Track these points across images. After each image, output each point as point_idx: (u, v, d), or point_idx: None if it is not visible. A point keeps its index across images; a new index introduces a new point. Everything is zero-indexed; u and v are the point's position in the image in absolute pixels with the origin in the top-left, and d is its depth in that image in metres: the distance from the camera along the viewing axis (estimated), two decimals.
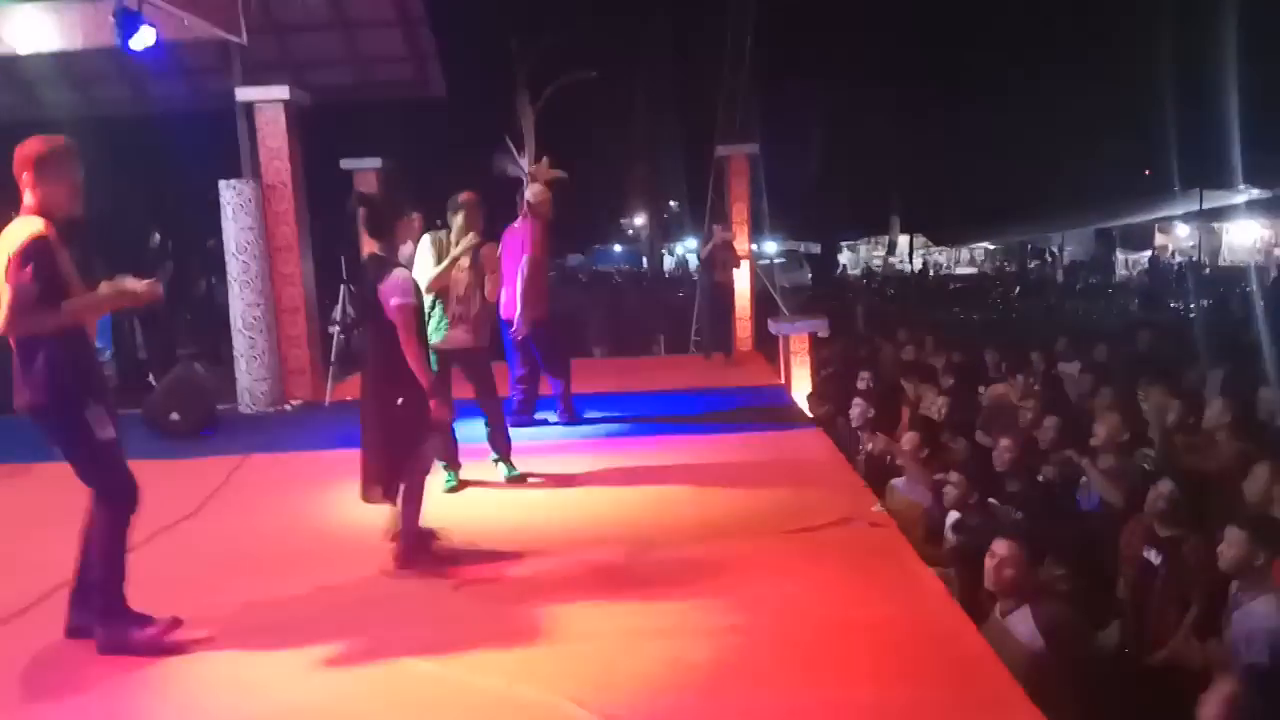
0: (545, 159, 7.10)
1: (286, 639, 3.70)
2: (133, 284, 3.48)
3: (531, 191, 6.87)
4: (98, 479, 3.51)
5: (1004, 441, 5.69)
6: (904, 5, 29.23)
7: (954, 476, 5.22)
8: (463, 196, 5.55)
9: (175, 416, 7.46)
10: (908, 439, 5.90)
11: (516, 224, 6.83)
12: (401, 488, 4.37)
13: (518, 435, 6.72)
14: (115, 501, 3.52)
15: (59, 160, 3.46)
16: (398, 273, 4.24)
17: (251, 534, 5.11)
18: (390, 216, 4.40)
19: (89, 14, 7.96)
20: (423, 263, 5.36)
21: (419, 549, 4.38)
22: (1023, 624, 3.76)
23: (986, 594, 4.10)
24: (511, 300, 6.59)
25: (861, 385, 8.23)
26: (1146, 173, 28.31)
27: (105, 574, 3.52)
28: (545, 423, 7.14)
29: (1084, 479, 5.58)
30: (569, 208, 7.06)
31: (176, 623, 3.63)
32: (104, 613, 3.55)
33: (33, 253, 3.28)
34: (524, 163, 7.09)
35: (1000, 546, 3.86)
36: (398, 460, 4.31)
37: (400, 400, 4.23)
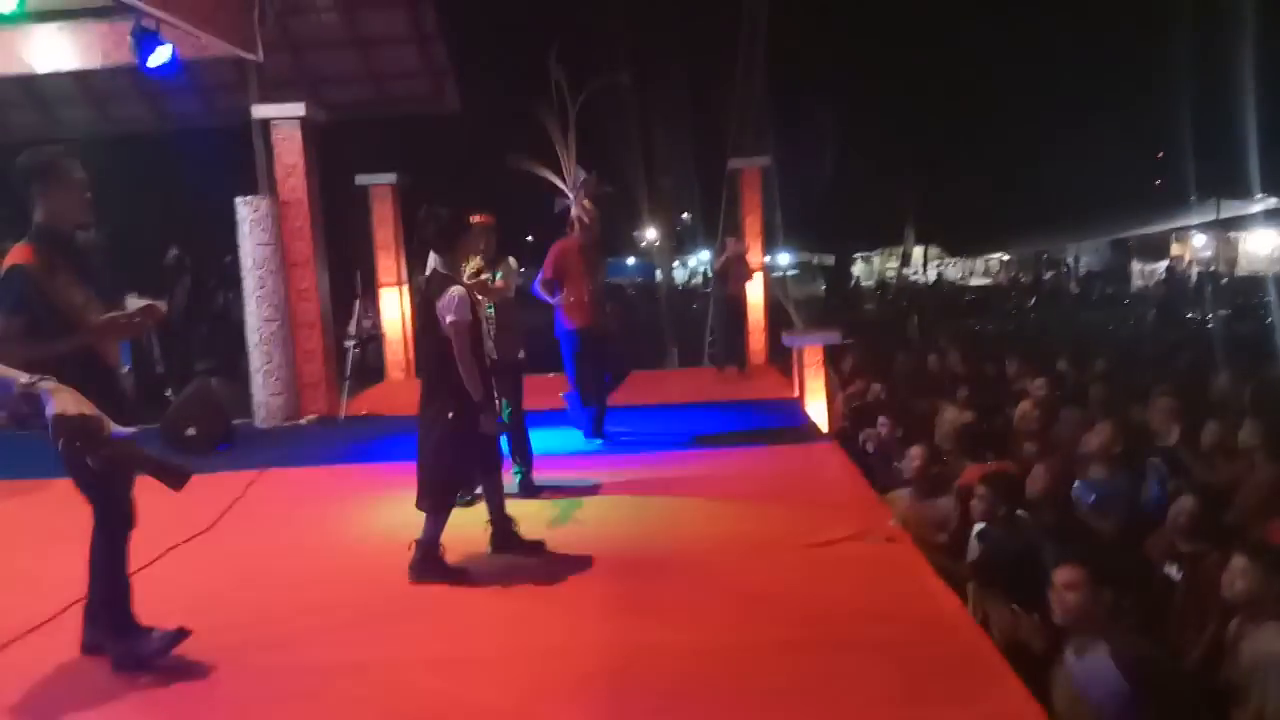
0: (594, 174, 7.16)
1: (300, 654, 3.71)
2: (132, 307, 3.44)
3: (583, 209, 6.96)
4: (96, 497, 3.50)
5: (1037, 468, 5.58)
6: (916, 18, 29.23)
7: (980, 489, 5.17)
8: (477, 219, 5.55)
9: (192, 431, 7.49)
10: (914, 454, 5.86)
11: (568, 238, 6.96)
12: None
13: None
14: (111, 521, 3.51)
15: (60, 168, 3.46)
16: (453, 290, 4.32)
17: (267, 549, 5.13)
18: (455, 232, 4.48)
19: (106, 33, 8.06)
20: None
21: (434, 561, 4.38)
22: (1101, 664, 3.51)
23: (1029, 623, 4.01)
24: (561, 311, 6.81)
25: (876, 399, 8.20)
26: (1156, 183, 28.18)
27: (108, 592, 3.51)
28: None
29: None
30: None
31: (183, 632, 3.62)
32: (113, 629, 3.55)
33: (7, 286, 3.27)
34: (567, 181, 7.11)
35: (1063, 573, 3.64)
36: (440, 471, 4.38)
37: (451, 415, 4.33)
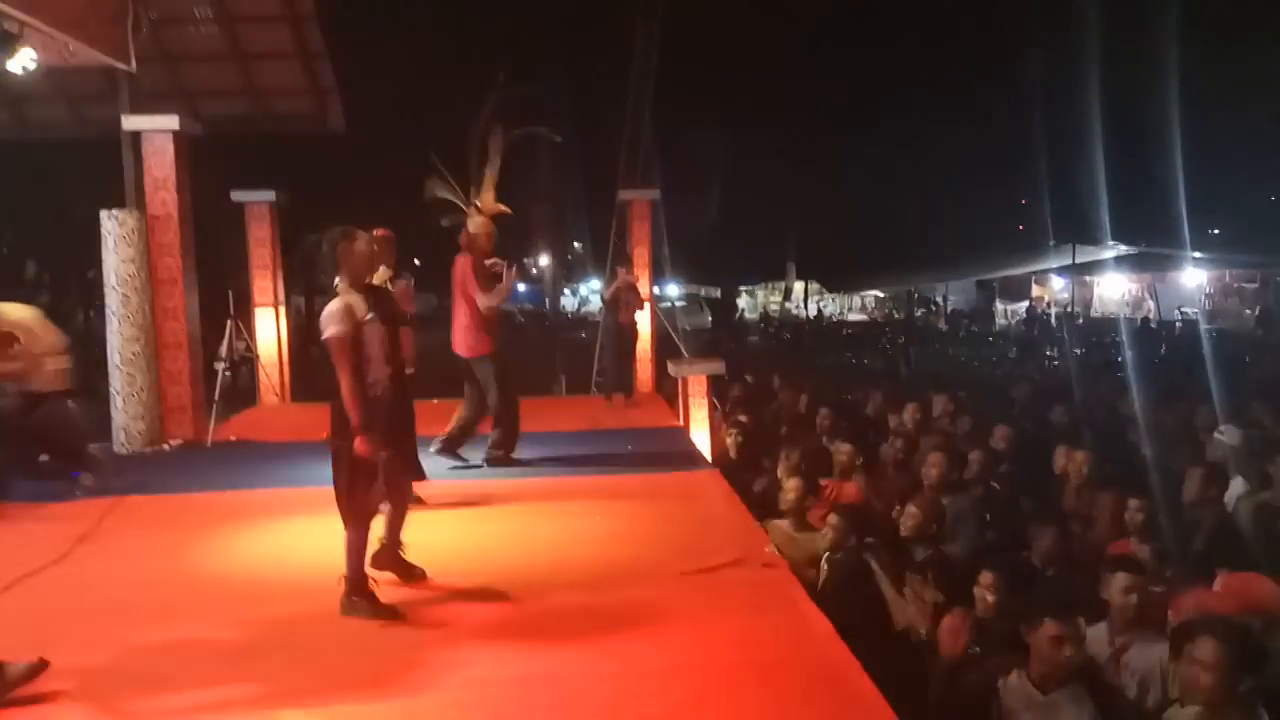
0: (493, 193, 7.11)
1: (158, 689, 3.52)
2: None
3: (473, 223, 6.89)
4: None
5: (910, 509, 5.80)
6: (799, 68, 30.53)
7: (832, 519, 5.38)
8: (377, 233, 5.49)
9: (45, 457, 7.04)
10: (791, 486, 6.03)
11: (458, 257, 6.89)
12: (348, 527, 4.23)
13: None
14: None
15: None
16: (333, 303, 4.16)
17: (124, 581, 4.85)
18: (343, 249, 4.23)
19: None
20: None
21: (364, 596, 4.21)
22: (1075, 705, 3.60)
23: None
24: (457, 335, 6.73)
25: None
26: (1019, 229, 30.02)
27: None
28: (464, 461, 7.00)
29: None
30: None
31: (43, 664, 3.41)
32: None
33: None
34: (468, 195, 7.06)
35: (1053, 627, 3.65)
36: (341, 495, 4.23)
37: (327, 435, 4.18)
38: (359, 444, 4.09)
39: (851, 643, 3.76)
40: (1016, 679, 3.75)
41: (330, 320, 4.10)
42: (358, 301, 4.18)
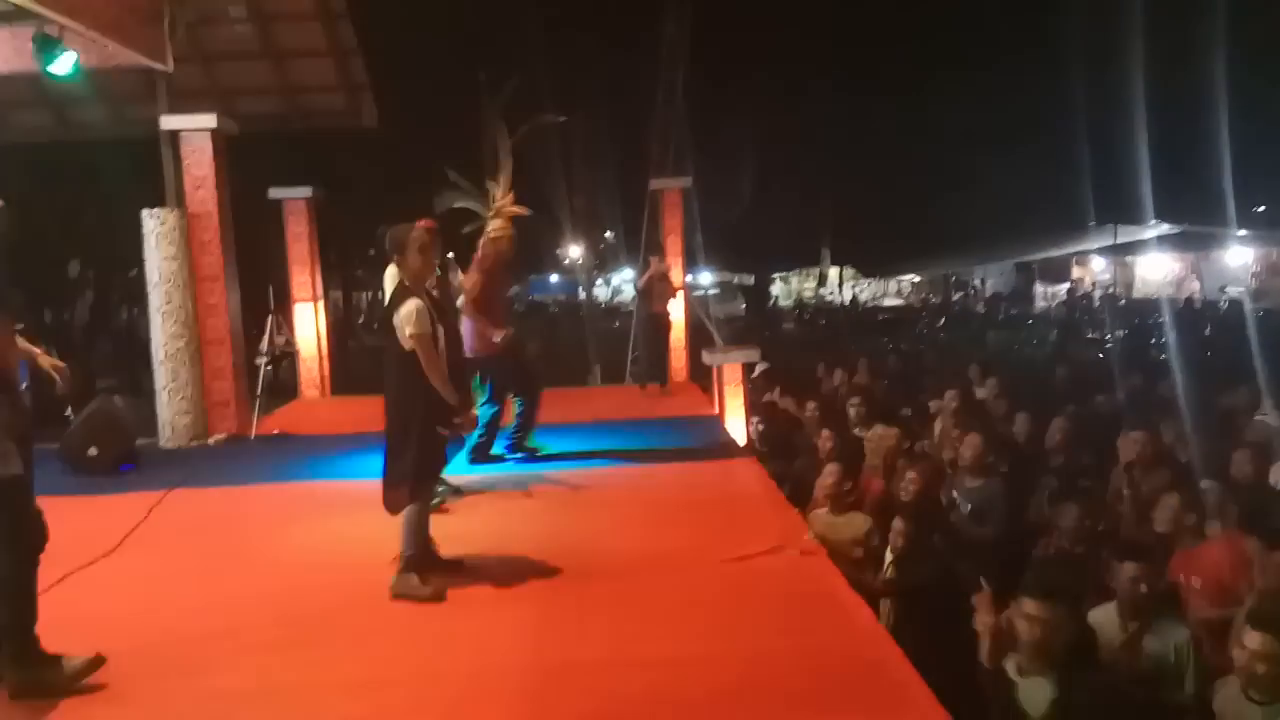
0: (511, 194, 7.07)
1: (206, 680, 3.60)
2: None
3: (493, 226, 6.80)
4: (5, 513, 3.37)
5: (910, 474, 5.81)
6: (832, 52, 30.22)
7: (897, 525, 5.32)
8: (421, 224, 5.50)
9: (93, 451, 7.21)
10: (829, 471, 5.99)
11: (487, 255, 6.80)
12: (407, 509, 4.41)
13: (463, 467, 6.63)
14: (18, 542, 3.38)
15: None
16: (410, 303, 4.32)
17: (173, 572, 4.96)
18: (407, 244, 4.45)
19: (6, 39, 7.77)
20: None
21: (419, 569, 4.34)
22: (1040, 693, 3.58)
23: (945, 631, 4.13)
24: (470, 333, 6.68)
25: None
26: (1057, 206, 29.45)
27: (13, 617, 3.38)
28: (502, 461, 7.02)
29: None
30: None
31: (100, 659, 3.50)
32: (15, 657, 3.40)
33: None
34: (487, 196, 6.99)
35: (1031, 606, 3.60)
36: (407, 477, 4.39)
37: (420, 418, 4.35)
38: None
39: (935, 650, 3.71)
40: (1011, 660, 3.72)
41: (408, 322, 4.28)
42: (425, 306, 4.36)
